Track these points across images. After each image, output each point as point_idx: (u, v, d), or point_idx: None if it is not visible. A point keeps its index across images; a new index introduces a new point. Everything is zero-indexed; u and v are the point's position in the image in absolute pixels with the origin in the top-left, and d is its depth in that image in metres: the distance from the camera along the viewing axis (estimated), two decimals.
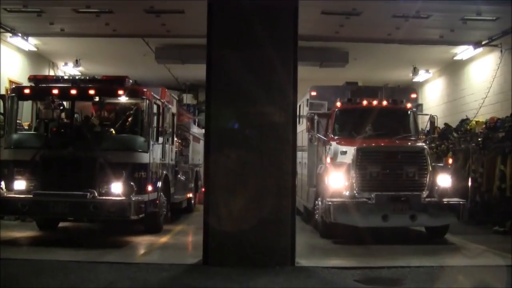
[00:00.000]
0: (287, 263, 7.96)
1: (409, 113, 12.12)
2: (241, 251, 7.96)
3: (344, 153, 10.80)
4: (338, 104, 12.03)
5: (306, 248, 9.34)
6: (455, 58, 17.73)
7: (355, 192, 10.22)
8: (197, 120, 18.08)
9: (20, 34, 15.46)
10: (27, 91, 10.57)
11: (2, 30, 14.83)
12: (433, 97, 21.49)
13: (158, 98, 11.14)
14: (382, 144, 10.93)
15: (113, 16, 14.00)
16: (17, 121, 11.06)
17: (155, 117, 10.91)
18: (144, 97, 10.45)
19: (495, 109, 15.29)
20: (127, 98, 10.67)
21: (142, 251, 9.59)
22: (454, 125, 16.55)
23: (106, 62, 19.52)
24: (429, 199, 10.14)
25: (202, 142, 15.71)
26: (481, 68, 16.93)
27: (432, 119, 12.31)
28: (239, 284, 7.03)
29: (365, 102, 11.89)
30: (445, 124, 16.93)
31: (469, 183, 13.70)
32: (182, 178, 13.57)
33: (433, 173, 10.32)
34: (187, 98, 23.49)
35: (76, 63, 19.14)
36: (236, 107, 8.15)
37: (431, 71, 20.65)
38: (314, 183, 12.00)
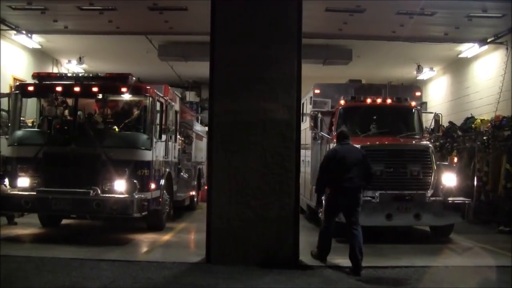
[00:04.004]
0: (290, 262, 7.93)
1: (413, 111, 12.02)
2: (244, 249, 7.93)
3: None
4: (342, 102, 11.94)
5: (309, 247, 9.27)
6: (459, 55, 17.66)
7: None
8: (200, 118, 18.06)
9: (24, 32, 15.51)
10: (30, 88, 10.53)
11: (6, 28, 14.85)
12: (437, 95, 21.38)
13: (161, 95, 11.11)
14: (386, 143, 10.83)
15: (116, 14, 14.02)
16: (21, 118, 11.06)
17: (158, 115, 10.87)
18: (147, 94, 10.43)
19: (500, 107, 15.20)
20: (130, 96, 10.69)
21: (144, 249, 9.56)
22: (458, 123, 16.46)
23: (109, 60, 19.53)
24: (433, 198, 10.06)
25: (205, 140, 15.72)
26: (486, 66, 16.82)
27: (436, 117, 12.18)
28: (242, 283, 6.98)
29: (369, 100, 11.80)
30: (450, 122, 16.82)
31: (474, 182, 13.62)
32: (185, 175, 13.54)
33: (437, 172, 10.25)
34: (190, 96, 23.47)
35: (80, 61, 19.20)
36: (240, 104, 8.11)
37: (435, 69, 20.55)
38: None
